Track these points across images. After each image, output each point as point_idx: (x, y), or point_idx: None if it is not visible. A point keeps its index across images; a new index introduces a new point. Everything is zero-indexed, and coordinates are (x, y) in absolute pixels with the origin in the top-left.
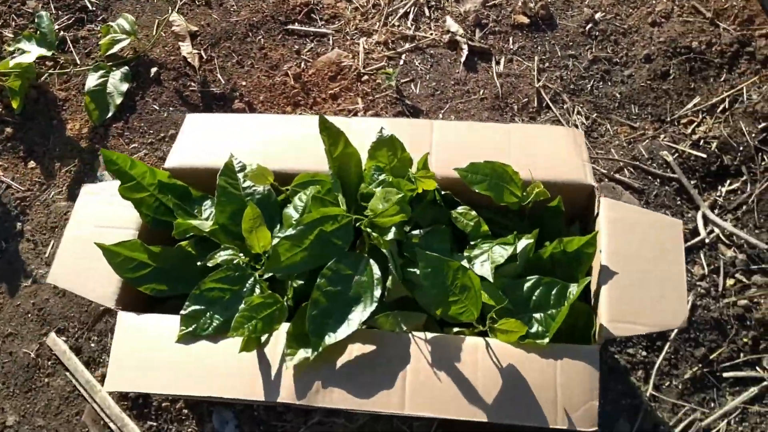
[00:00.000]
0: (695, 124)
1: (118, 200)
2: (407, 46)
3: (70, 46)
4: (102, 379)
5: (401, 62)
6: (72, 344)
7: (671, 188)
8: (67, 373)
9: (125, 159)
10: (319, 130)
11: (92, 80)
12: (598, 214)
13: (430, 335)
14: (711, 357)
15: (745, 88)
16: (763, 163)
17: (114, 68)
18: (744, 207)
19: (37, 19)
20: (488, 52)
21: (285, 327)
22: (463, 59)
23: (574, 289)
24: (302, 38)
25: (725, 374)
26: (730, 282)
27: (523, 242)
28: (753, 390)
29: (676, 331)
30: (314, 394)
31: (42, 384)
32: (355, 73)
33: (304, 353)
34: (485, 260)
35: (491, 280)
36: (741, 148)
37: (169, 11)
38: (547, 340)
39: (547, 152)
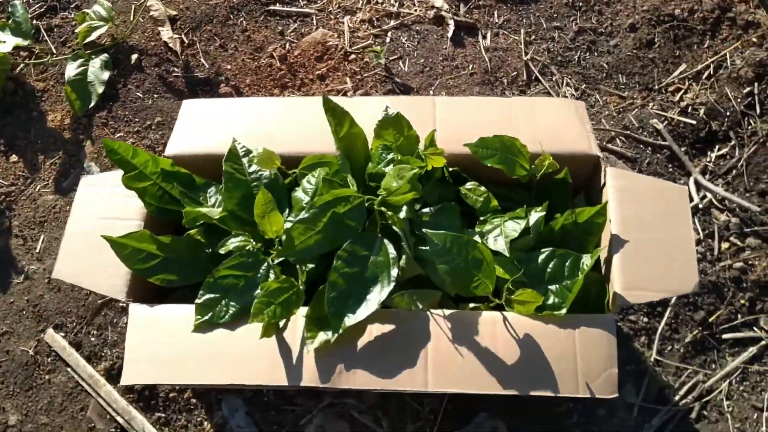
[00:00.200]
0: (682, 91)
1: (119, 191)
2: (392, 23)
3: (45, 35)
4: (105, 373)
5: (388, 40)
6: (71, 339)
7: (663, 156)
8: (69, 369)
9: (127, 148)
10: (324, 111)
11: (71, 69)
12: (605, 184)
13: (447, 312)
14: (710, 320)
15: (728, 53)
16: (749, 128)
17: (93, 56)
18: (734, 171)
19: (10, 8)
20: (474, 27)
21: (302, 311)
22: (449, 35)
23: (587, 260)
24: (285, 19)
25: (724, 336)
26: (725, 245)
27: (535, 215)
28: (752, 350)
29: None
30: (337, 377)
31: (43, 381)
32: (342, 52)
33: (324, 336)
34: (498, 235)
35: (507, 254)
36: (728, 114)
37: None
38: (564, 311)
39: (550, 124)
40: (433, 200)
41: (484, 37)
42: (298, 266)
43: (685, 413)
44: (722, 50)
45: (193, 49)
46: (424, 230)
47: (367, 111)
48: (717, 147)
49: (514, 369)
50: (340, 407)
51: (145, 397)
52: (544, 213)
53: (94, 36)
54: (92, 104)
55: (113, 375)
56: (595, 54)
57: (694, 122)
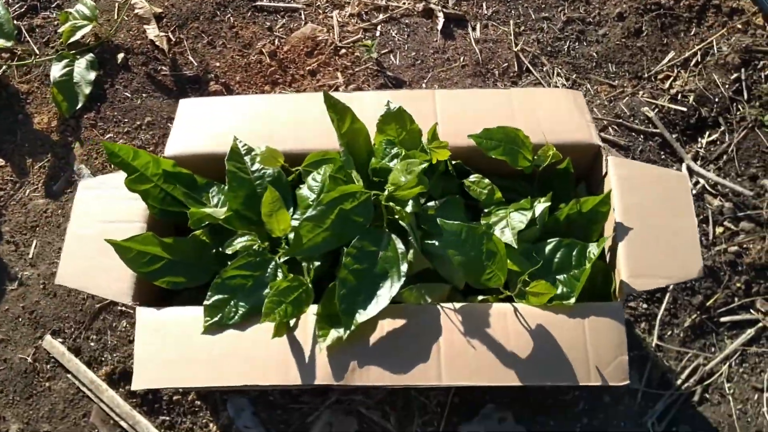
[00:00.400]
0: (671, 78)
1: (120, 194)
2: (381, 16)
3: (26, 35)
4: (107, 378)
5: (378, 34)
6: (70, 345)
7: (654, 143)
8: (69, 375)
9: (128, 150)
10: (326, 107)
11: (57, 70)
12: (606, 173)
13: (458, 305)
14: (708, 304)
15: (715, 40)
16: (738, 113)
17: (78, 56)
18: (725, 157)
19: None
20: (463, 19)
21: (311, 309)
22: (439, 27)
23: (594, 249)
24: (272, 14)
25: (722, 319)
26: (719, 230)
27: (541, 206)
28: (750, 332)
29: None
30: (351, 374)
31: (43, 389)
32: (332, 47)
33: (336, 333)
34: (504, 227)
35: (515, 245)
36: (716, 100)
37: None
38: (573, 300)
39: (550, 115)
40: (436, 194)
41: (474, 29)
42: (304, 264)
43: (687, 397)
44: (709, 37)
45: (180, 47)
46: (438, 221)
47: (366, 106)
48: (707, 133)
49: (528, 360)
50: (347, 404)
51: (149, 400)
52: (549, 203)
53: (78, 36)
54: (79, 105)
55: (115, 379)
56: (584, 43)
57: (684, 109)
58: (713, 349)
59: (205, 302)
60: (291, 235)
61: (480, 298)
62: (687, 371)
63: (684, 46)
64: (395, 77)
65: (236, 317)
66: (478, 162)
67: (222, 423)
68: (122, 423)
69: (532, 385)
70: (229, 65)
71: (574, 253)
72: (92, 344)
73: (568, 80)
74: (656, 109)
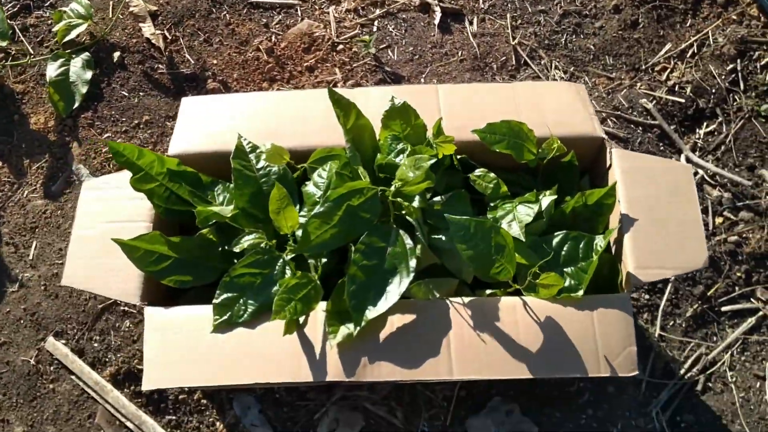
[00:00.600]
0: (668, 70)
1: (124, 193)
2: (378, 12)
3: (20, 35)
4: (111, 379)
5: (375, 29)
6: (73, 346)
7: (653, 134)
8: (73, 377)
9: (132, 149)
10: (331, 103)
11: (52, 70)
12: (610, 165)
13: (466, 299)
14: (709, 293)
15: (710, 31)
16: (735, 104)
17: (73, 55)
18: (722, 147)
19: None
20: (460, 13)
21: (320, 306)
22: (436, 21)
23: (601, 241)
24: (268, 11)
25: (723, 308)
26: (719, 220)
27: (547, 199)
28: (750, 320)
29: None
30: (362, 370)
31: (47, 391)
32: (330, 43)
33: (346, 330)
34: (512, 220)
35: (523, 239)
36: (713, 91)
37: None
38: (581, 292)
39: (553, 108)
40: (441, 188)
41: (471, 23)
42: (312, 261)
43: (691, 386)
44: (704, 28)
45: (176, 45)
46: (446, 216)
47: (370, 102)
48: (705, 124)
49: (538, 353)
50: (353, 400)
51: (155, 400)
52: (555, 196)
53: (73, 35)
54: (76, 105)
55: (119, 380)
56: (582, 36)
57: (681, 101)
58: (715, 339)
59: (215, 301)
60: (298, 232)
61: (488, 291)
62: (690, 361)
63: (680, 37)
64: (393, 72)
65: (245, 315)
66: (482, 156)
67: (228, 422)
68: (128, 423)
69: (542, 377)
70: (227, 62)
71: (581, 245)
72: (96, 345)
73: (566, 73)
74: (654, 101)
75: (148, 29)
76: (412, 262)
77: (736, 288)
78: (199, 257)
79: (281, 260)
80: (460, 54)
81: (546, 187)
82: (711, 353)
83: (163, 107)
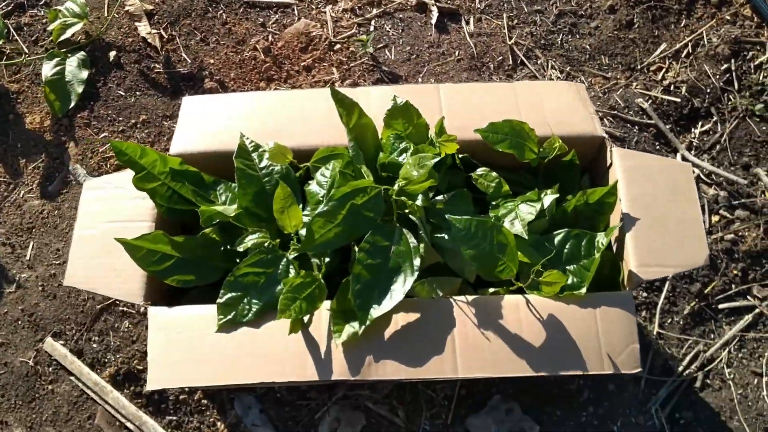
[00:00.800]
0: (664, 70)
1: (125, 193)
2: (375, 11)
3: (14, 34)
4: (111, 379)
5: (372, 28)
6: (72, 347)
7: (649, 134)
8: (72, 378)
9: (135, 148)
10: (333, 102)
11: (48, 69)
12: (611, 164)
13: (470, 297)
14: (706, 291)
15: (705, 31)
16: (729, 103)
17: (69, 55)
18: (718, 146)
19: None
20: (457, 13)
21: (324, 305)
22: (433, 21)
23: (602, 239)
24: (265, 10)
25: (720, 306)
26: (715, 218)
27: (549, 198)
28: (747, 318)
29: None
30: (367, 368)
31: (46, 392)
32: (327, 42)
33: (351, 328)
34: (514, 219)
35: (526, 237)
36: (708, 90)
37: None
38: (584, 290)
39: (554, 107)
40: (443, 188)
41: (468, 23)
42: (315, 260)
43: (689, 383)
44: (698, 29)
45: (173, 44)
46: (447, 216)
47: (371, 101)
48: (700, 123)
49: (542, 350)
50: (355, 399)
51: (155, 400)
52: (557, 195)
53: (68, 34)
54: (72, 104)
55: (119, 380)
56: (577, 36)
57: (677, 100)
58: (712, 336)
59: (219, 300)
60: (302, 231)
61: (491, 290)
62: (688, 358)
63: (675, 37)
64: (391, 72)
65: (250, 314)
66: (483, 155)
67: (230, 422)
68: (128, 424)
69: (546, 375)
70: (224, 62)
71: (583, 243)
72: (94, 346)
73: (563, 73)
74: (650, 101)
75: (144, 28)
76: (416, 261)
77: (733, 286)
78: (202, 257)
79: (285, 259)
80: (457, 54)
81: (547, 186)
82: (709, 350)
83: (160, 107)
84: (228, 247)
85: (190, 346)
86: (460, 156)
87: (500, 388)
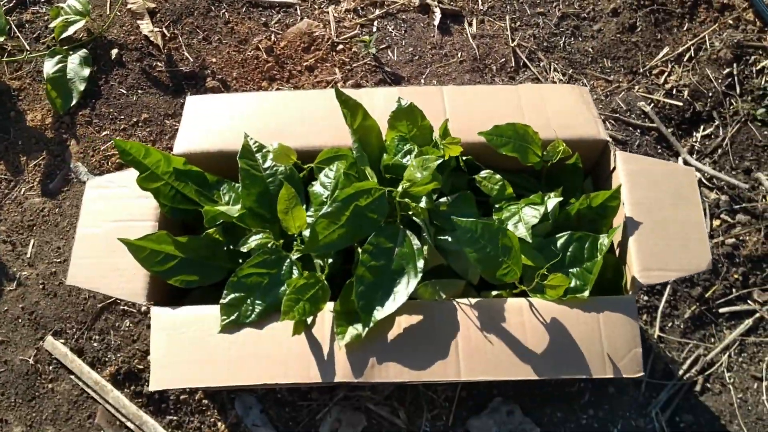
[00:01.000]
0: (666, 73)
1: (129, 192)
2: (378, 12)
3: (16, 31)
4: (111, 378)
5: (375, 29)
6: (72, 346)
7: (651, 137)
8: (72, 377)
9: (139, 148)
10: (338, 103)
11: (49, 66)
12: (614, 168)
13: (473, 300)
14: (706, 295)
15: (707, 36)
16: (731, 107)
17: (71, 52)
18: (719, 150)
19: None
20: (460, 14)
21: (327, 306)
22: (436, 23)
23: (605, 240)
24: (268, 9)
25: (721, 310)
26: (716, 223)
27: (553, 201)
28: (748, 322)
29: None
30: (370, 370)
31: (46, 390)
32: (329, 42)
33: (354, 330)
34: (517, 222)
35: (530, 240)
36: (710, 94)
37: None
38: (587, 293)
39: (558, 110)
40: (446, 190)
41: (470, 25)
42: (318, 261)
43: (689, 386)
44: (701, 33)
45: (175, 43)
46: (453, 218)
47: (375, 103)
48: (702, 127)
49: (545, 354)
50: (356, 400)
51: (155, 400)
52: (560, 198)
53: (70, 31)
54: (74, 102)
55: (119, 380)
56: (580, 39)
57: (679, 104)
58: (713, 340)
59: (222, 301)
60: (306, 232)
61: (494, 293)
62: (688, 362)
63: (677, 41)
64: (393, 73)
65: (253, 315)
66: (486, 158)
67: (230, 422)
68: (129, 424)
69: (549, 378)
70: (226, 61)
71: (585, 245)
72: (95, 344)
73: (565, 75)
74: (652, 104)
75: (146, 26)
76: (420, 263)
77: (734, 290)
78: (206, 257)
79: (288, 260)
80: (459, 55)
81: (550, 189)
82: (709, 354)
83: (161, 105)
84: (231, 247)
85: (193, 347)
86: (464, 158)
87: (501, 389)
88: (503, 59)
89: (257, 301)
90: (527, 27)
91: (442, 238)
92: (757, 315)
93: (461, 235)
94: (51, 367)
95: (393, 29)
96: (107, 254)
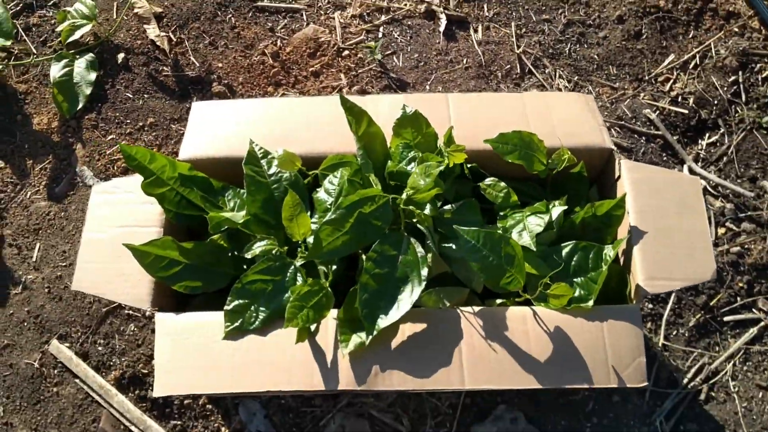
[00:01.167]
0: (671, 81)
1: (135, 197)
2: (383, 18)
3: (23, 34)
4: (116, 383)
5: (380, 35)
6: (77, 350)
7: (656, 145)
8: (77, 380)
9: (144, 153)
10: (343, 110)
11: (56, 70)
12: (619, 176)
13: (477, 309)
14: (711, 303)
15: (713, 43)
16: (737, 115)
17: (77, 56)
18: (725, 158)
19: None
20: (465, 21)
21: (331, 313)
22: (442, 29)
23: (610, 251)
24: (274, 15)
25: (726, 318)
26: (721, 231)
27: (557, 210)
28: (752, 331)
29: None
30: (374, 378)
31: (51, 394)
32: (335, 48)
33: (357, 338)
34: (522, 230)
35: (534, 249)
36: (716, 102)
37: None
38: (591, 303)
39: (563, 118)
40: (450, 197)
41: (476, 31)
42: (321, 268)
43: (694, 395)
44: (706, 40)
45: (181, 47)
46: (455, 227)
47: (380, 110)
48: (707, 135)
49: (548, 363)
50: (359, 407)
51: (160, 405)
52: (565, 207)
53: (77, 35)
54: (80, 106)
55: (124, 384)
56: (585, 46)
57: (684, 111)
58: (717, 348)
59: (226, 307)
60: (310, 239)
61: (498, 301)
62: (693, 370)
63: (683, 48)
64: (399, 79)
65: (257, 322)
66: (491, 165)
67: (234, 427)
68: (133, 428)
69: (552, 388)
70: (232, 66)
71: (590, 255)
72: (100, 348)
73: (570, 82)
74: (657, 111)
75: (152, 31)
76: (424, 271)
77: (738, 298)
78: (210, 263)
79: (293, 267)
80: (464, 61)
81: (555, 196)
82: (714, 363)
83: (167, 110)
84: (236, 253)
85: (198, 353)
86: (469, 166)
87: (505, 397)
88: (508, 66)
89: (261, 308)
90: (533, 34)
91: (446, 245)
92: (762, 323)
93: (464, 245)
94: (56, 371)
95: (398, 35)
96: (113, 259)
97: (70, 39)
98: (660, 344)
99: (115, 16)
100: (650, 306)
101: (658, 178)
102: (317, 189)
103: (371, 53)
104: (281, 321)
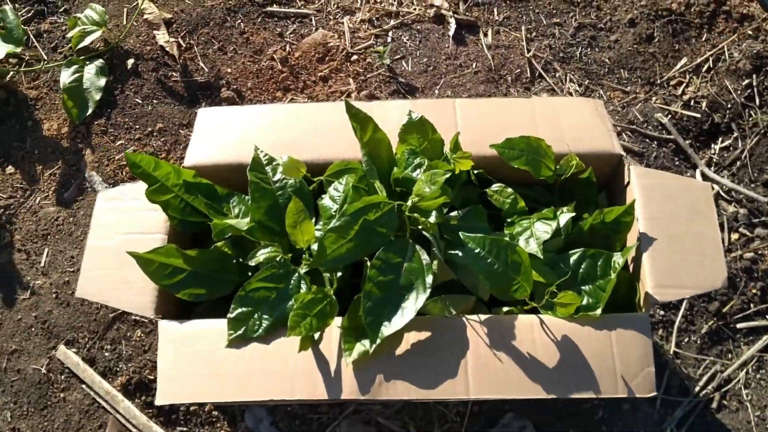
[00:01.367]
0: (684, 84)
1: (140, 205)
2: (393, 22)
3: (33, 41)
4: (122, 389)
5: (389, 40)
6: (84, 355)
7: (668, 149)
8: (84, 386)
9: (149, 160)
10: (348, 116)
11: (66, 76)
12: (629, 182)
13: (483, 317)
14: (724, 310)
15: (726, 46)
16: (750, 119)
17: (87, 62)
18: (738, 163)
19: (0, 14)
20: (475, 25)
21: (335, 321)
22: (451, 33)
23: (619, 259)
24: (283, 20)
25: (739, 325)
26: (734, 236)
27: (565, 216)
28: (765, 338)
29: None
30: (378, 388)
31: (58, 399)
32: (344, 53)
33: (361, 347)
34: (529, 237)
35: (540, 256)
36: (729, 106)
37: None
38: (599, 311)
39: (572, 124)
40: (457, 204)
41: (485, 35)
42: (327, 275)
43: (706, 403)
44: (720, 43)
45: (191, 53)
46: (461, 234)
47: (387, 115)
48: (720, 139)
49: (555, 372)
50: (366, 414)
51: (166, 411)
52: (573, 214)
53: (87, 41)
54: (90, 111)
55: (130, 390)
56: (596, 49)
57: (697, 115)
58: (730, 356)
59: (229, 315)
60: (314, 246)
61: (505, 309)
62: (705, 378)
63: (695, 52)
64: (407, 83)
65: (260, 330)
66: (498, 171)
67: None
68: None
69: (560, 397)
70: (241, 71)
71: (599, 263)
72: (107, 354)
73: (581, 86)
74: (669, 116)
75: (162, 37)
76: (429, 278)
77: (752, 305)
78: (214, 270)
79: (297, 274)
80: (474, 66)
81: (563, 202)
82: (726, 371)
83: (176, 115)
84: (240, 260)
85: (201, 361)
86: (476, 171)
87: (513, 405)
88: (518, 70)
89: (264, 316)
90: (543, 37)
91: (452, 252)
92: None
93: (469, 252)
94: (63, 377)
95: (408, 40)
96: (117, 267)
97: (81, 45)
98: (671, 351)
99: (125, 22)
100: (662, 313)
101: (668, 184)
102: (322, 196)
103: (380, 58)
104: (285, 329)
